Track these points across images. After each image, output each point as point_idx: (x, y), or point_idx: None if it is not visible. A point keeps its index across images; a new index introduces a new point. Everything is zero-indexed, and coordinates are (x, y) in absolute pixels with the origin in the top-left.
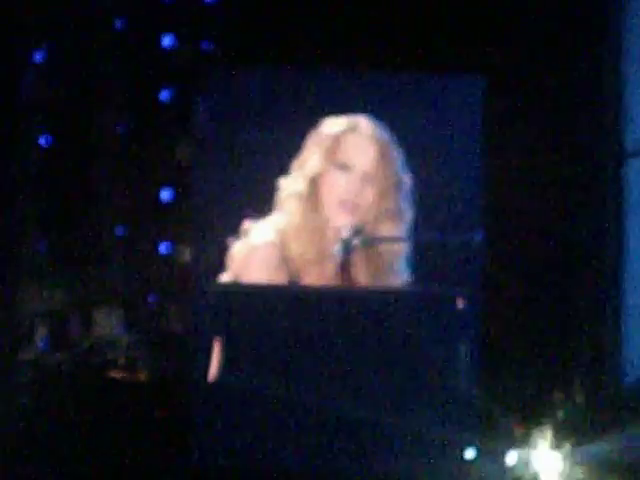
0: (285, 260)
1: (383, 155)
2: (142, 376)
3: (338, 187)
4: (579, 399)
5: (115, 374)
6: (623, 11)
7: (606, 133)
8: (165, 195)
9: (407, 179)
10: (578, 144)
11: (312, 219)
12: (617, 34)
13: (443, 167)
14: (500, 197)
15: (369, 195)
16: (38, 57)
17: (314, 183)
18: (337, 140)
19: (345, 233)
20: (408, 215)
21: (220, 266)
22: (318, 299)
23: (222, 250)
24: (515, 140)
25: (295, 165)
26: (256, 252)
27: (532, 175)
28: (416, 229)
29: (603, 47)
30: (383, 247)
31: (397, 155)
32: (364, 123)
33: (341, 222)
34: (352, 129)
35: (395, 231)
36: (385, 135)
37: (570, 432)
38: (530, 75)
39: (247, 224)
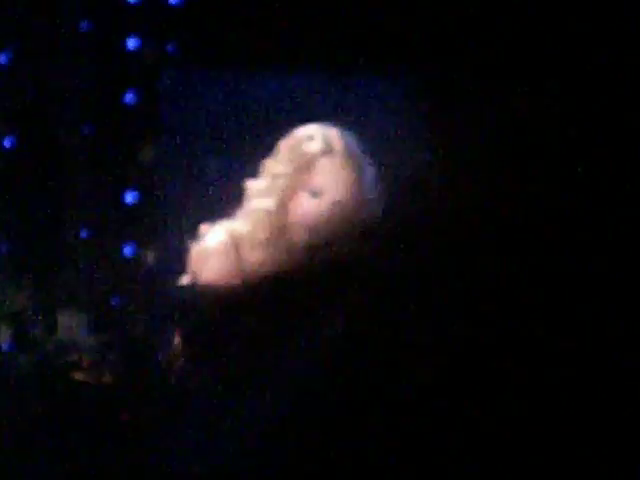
0: (237, 263)
1: (357, 180)
2: (107, 378)
3: (308, 213)
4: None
5: (79, 376)
6: None
7: None
8: (129, 197)
9: (375, 192)
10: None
11: (276, 236)
12: None
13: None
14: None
15: (338, 220)
16: (1, 58)
17: (283, 203)
18: (311, 162)
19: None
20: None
21: (182, 268)
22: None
23: (183, 251)
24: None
25: (266, 171)
26: (209, 255)
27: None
28: None
29: None
30: None
31: (370, 171)
32: (338, 141)
33: (307, 244)
34: (328, 151)
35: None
36: (359, 153)
37: None
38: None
39: (204, 227)
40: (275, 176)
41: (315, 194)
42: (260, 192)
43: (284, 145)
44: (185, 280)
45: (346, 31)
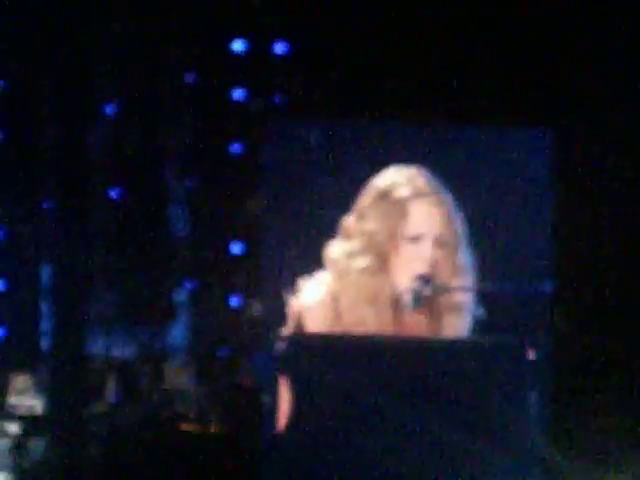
0: (336, 319)
1: (448, 216)
2: (212, 429)
3: (412, 260)
4: None
5: (185, 427)
6: None
7: None
8: (235, 248)
9: (465, 230)
10: None
11: (381, 292)
12: None
13: (514, 218)
14: (571, 248)
15: (441, 259)
16: (109, 110)
17: (384, 258)
18: (403, 208)
19: (415, 284)
20: (474, 267)
21: (285, 319)
22: (384, 349)
23: (284, 305)
24: (587, 192)
25: (355, 230)
26: (307, 312)
27: (603, 227)
28: (484, 279)
29: None
30: (447, 298)
31: (455, 209)
32: (425, 184)
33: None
34: (416, 195)
35: (465, 284)
36: (445, 193)
37: None
38: (601, 126)
39: (301, 282)
40: (367, 233)
41: (415, 239)
42: (354, 253)
43: (368, 197)
44: (285, 333)
45: (446, 83)
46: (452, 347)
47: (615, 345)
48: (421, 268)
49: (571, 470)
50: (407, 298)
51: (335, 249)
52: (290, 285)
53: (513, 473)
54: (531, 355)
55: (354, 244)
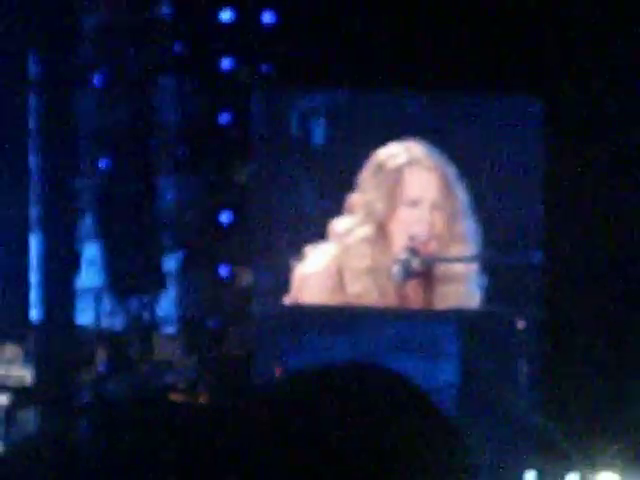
0: (339, 287)
1: (445, 182)
2: (202, 400)
3: (409, 224)
4: None
5: (175, 397)
6: None
7: None
8: (224, 218)
9: (466, 200)
10: None
11: (381, 262)
12: None
13: (504, 188)
14: (560, 218)
15: (439, 224)
16: (97, 81)
17: (382, 225)
18: (399, 176)
19: (403, 254)
20: (476, 236)
21: (280, 289)
22: (377, 320)
23: (284, 272)
24: (577, 162)
25: (357, 204)
26: (313, 278)
27: (594, 196)
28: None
29: None
30: (444, 268)
31: (455, 178)
32: (420, 152)
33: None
34: (412, 162)
35: (465, 253)
36: (442, 160)
37: (633, 454)
38: (592, 97)
39: (308, 248)
40: (367, 204)
41: (413, 203)
42: (355, 225)
43: (367, 171)
44: (287, 300)
45: (437, 54)
46: (442, 317)
47: (604, 314)
48: (419, 230)
49: (561, 436)
50: (396, 269)
51: (339, 223)
52: (287, 253)
53: (504, 440)
54: (521, 325)
55: (356, 217)
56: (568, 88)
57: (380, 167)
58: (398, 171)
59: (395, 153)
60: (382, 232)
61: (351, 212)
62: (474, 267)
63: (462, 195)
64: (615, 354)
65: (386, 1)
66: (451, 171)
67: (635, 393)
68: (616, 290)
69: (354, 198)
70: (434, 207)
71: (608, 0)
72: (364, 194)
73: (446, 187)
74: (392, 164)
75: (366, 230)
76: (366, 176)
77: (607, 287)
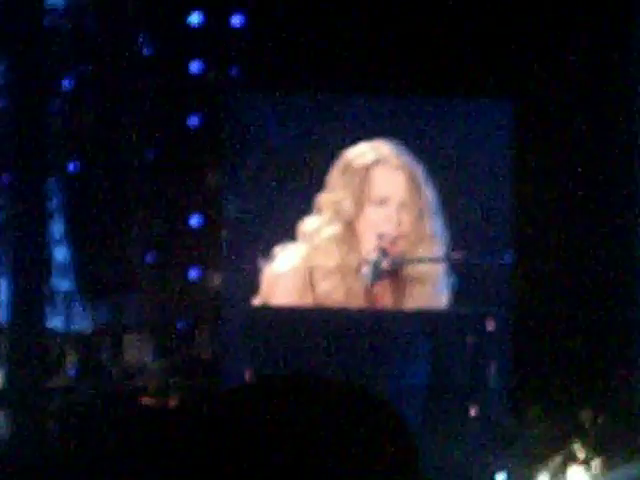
0: (309, 286)
1: (413, 181)
2: (173, 403)
3: (376, 222)
4: (611, 421)
5: (145, 401)
6: None
7: (637, 155)
8: (194, 221)
9: (435, 200)
10: (608, 167)
11: (349, 260)
12: None
13: (473, 189)
14: (530, 219)
15: (407, 223)
16: (66, 84)
17: (350, 224)
18: (366, 174)
19: (373, 255)
20: (444, 236)
21: (250, 290)
22: (346, 321)
23: (253, 274)
24: (545, 163)
25: (325, 203)
26: (282, 279)
27: (562, 197)
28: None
29: (631, 69)
30: (413, 269)
31: (424, 177)
32: (388, 151)
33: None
34: (378, 160)
35: (433, 253)
36: (410, 160)
37: (602, 454)
38: (558, 98)
39: (277, 249)
40: (335, 203)
41: (381, 201)
42: (323, 224)
43: (335, 170)
44: (256, 301)
45: (406, 56)
46: (412, 318)
47: (574, 314)
48: (387, 229)
49: (531, 438)
50: (365, 270)
51: (307, 223)
52: (257, 255)
53: (474, 441)
54: (490, 325)
55: (324, 216)
56: (537, 90)
57: (348, 166)
58: (365, 169)
59: (363, 152)
60: (350, 231)
61: (319, 211)
62: (443, 267)
63: (430, 194)
64: (585, 355)
65: (355, 4)
66: (419, 170)
67: (606, 394)
68: (586, 290)
69: (322, 197)
70: (402, 206)
71: (576, 2)
72: (332, 193)
73: (414, 186)
74: (360, 163)
75: (334, 229)
76: (334, 175)
77: (577, 287)
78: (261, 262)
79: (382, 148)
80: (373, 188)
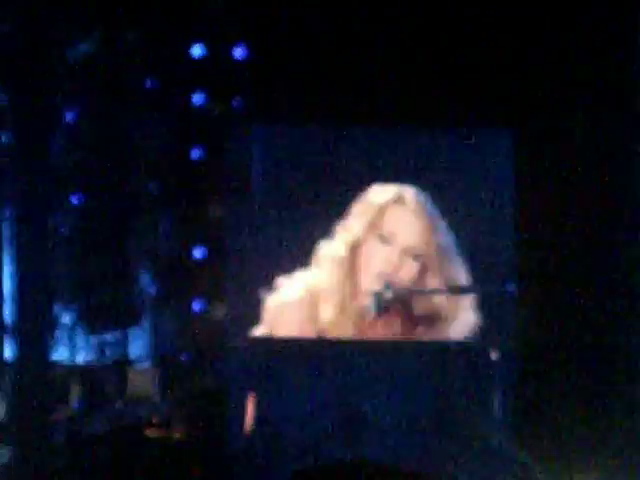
0: (313, 316)
1: (429, 229)
2: (177, 434)
3: (376, 259)
4: (617, 453)
5: (150, 433)
6: None
7: (638, 185)
8: (197, 253)
9: (452, 245)
10: (610, 196)
11: (347, 284)
12: None
13: (477, 219)
14: (534, 248)
15: (410, 270)
16: (69, 117)
17: (354, 250)
18: (382, 210)
19: (376, 286)
20: (463, 276)
21: (253, 321)
22: (349, 352)
23: (255, 304)
24: (548, 192)
25: (339, 229)
26: (286, 308)
27: (565, 227)
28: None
29: (632, 99)
30: (417, 300)
31: (443, 226)
32: (410, 195)
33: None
34: (398, 200)
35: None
36: (432, 208)
37: None
38: (560, 127)
39: (280, 280)
40: (347, 229)
41: (385, 239)
42: (332, 245)
43: (357, 205)
44: (260, 332)
45: (406, 88)
46: (417, 349)
47: (578, 345)
48: (384, 268)
49: (536, 469)
50: (369, 302)
51: (323, 248)
52: (260, 286)
53: (480, 471)
54: (494, 356)
55: (337, 241)
56: (538, 120)
57: (366, 201)
58: (381, 206)
59: (385, 191)
60: (353, 257)
61: (333, 238)
62: (464, 302)
63: (444, 243)
64: (589, 385)
65: (358, 37)
66: (437, 218)
67: (610, 423)
68: (589, 321)
69: (339, 227)
70: (406, 252)
71: (576, 30)
72: (349, 223)
73: (428, 234)
74: (380, 199)
75: (340, 251)
76: (355, 210)
77: (580, 318)
78: (264, 293)
79: (404, 191)
80: (384, 223)
